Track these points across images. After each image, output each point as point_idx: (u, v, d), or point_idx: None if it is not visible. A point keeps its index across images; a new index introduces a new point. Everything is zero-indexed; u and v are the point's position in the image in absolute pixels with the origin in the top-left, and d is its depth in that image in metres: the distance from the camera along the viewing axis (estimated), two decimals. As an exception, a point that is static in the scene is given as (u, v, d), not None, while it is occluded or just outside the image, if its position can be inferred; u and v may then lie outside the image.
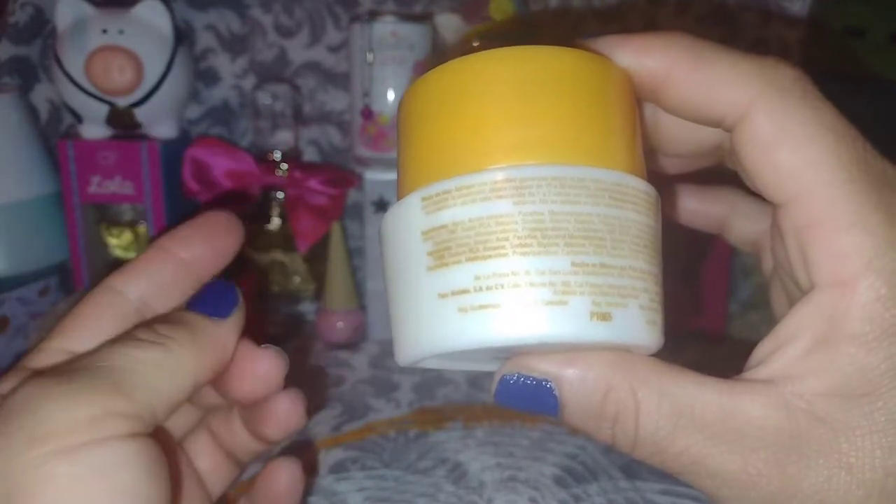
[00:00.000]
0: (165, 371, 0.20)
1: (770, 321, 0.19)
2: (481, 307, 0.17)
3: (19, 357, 0.22)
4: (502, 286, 0.17)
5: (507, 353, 0.19)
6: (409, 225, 0.19)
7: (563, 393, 0.18)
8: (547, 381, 0.19)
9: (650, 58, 0.19)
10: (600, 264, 0.17)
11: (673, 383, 0.18)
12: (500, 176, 0.17)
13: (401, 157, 0.20)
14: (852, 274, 0.17)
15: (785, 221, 0.19)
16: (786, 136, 0.18)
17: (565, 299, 0.17)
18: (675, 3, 0.53)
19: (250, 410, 0.26)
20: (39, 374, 0.20)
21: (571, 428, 0.19)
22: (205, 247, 0.25)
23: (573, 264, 0.17)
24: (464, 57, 0.19)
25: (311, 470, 0.36)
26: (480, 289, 0.17)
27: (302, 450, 0.38)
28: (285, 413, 0.25)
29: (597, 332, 0.17)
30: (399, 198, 0.20)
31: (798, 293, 0.19)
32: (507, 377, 0.19)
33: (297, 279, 0.53)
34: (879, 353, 0.17)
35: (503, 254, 0.17)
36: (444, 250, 0.18)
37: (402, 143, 0.20)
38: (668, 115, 0.21)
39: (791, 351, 0.18)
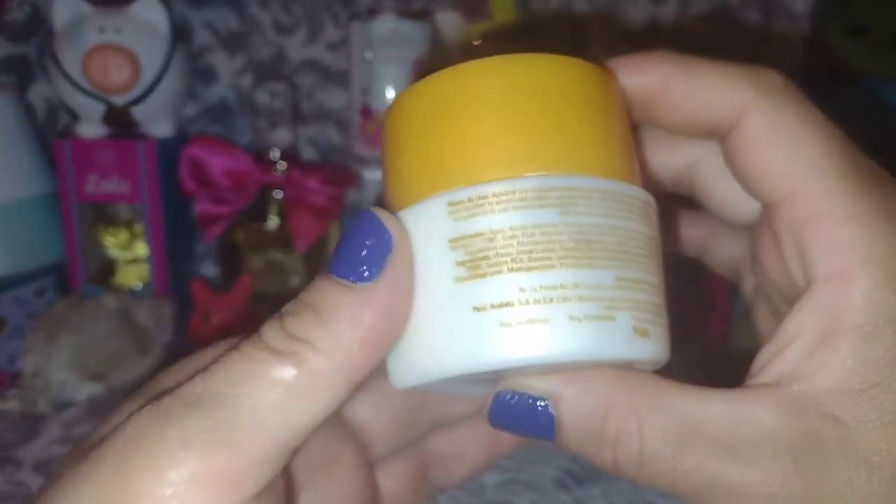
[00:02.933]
0: (297, 397, 0.16)
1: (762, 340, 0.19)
2: (529, 321, 0.16)
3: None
4: (551, 300, 0.16)
5: (510, 374, 0.18)
6: (431, 232, 0.17)
7: (561, 412, 0.18)
8: (542, 399, 0.18)
9: (644, 76, 0.20)
10: (636, 279, 0.17)
11: (676, 399, 0.17)
12: (544, 184, 0.17)
13: (403, 158, 0.19)
14: (850, 266, 0.17)
15: (780, 220, 0.19)
16: (779, 135, 0.18)
17: (612, 314, 0.16)
18: (677, 1, 0.52)
19: None
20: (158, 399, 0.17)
21: (569, 452, 0.18)
22: None
23: (617, 279, 0.16)
24: (494, 56, 0.18)
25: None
26: (527, 302, 0.16)
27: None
28: None
29: (641, 350, 0.17)
30: (399, 204, 0.18)
31: (786, 308, 0.19)
32: (503, 395, 0.18)
33: (295, 279, 0.53)
34: (883, 342, 0.17)
35: (550, 265, 0.16)
36: (481, 259, 0.16)
37: (409, 143, 0.19)
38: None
39: (794, 351, 0.18)
